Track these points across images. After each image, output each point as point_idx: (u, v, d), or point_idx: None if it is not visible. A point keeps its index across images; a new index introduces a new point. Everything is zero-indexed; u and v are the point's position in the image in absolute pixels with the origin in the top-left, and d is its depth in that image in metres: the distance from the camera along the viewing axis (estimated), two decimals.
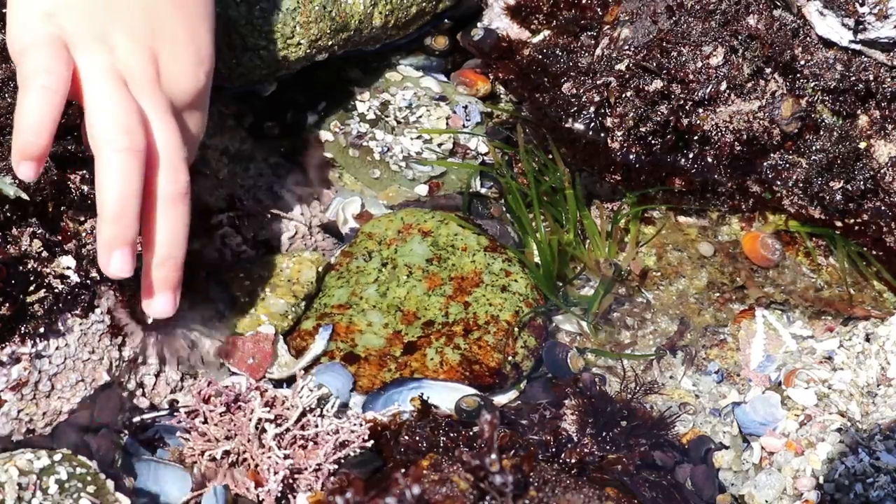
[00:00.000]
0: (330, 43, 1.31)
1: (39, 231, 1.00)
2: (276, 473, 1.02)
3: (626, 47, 1.27)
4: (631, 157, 1.28)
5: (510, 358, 1.18)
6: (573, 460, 1.06)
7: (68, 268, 1.01)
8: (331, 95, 1.40)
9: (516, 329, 1.20)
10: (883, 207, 1.25)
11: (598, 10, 1.34)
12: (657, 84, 1.24)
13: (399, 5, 1.35)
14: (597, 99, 1.28)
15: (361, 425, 1.07)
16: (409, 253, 1.25)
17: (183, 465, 1.06)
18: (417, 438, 1.06)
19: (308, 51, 1.29)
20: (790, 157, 1.27)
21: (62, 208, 1.03)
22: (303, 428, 1.06)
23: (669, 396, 1.22)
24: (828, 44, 1.23)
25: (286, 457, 1.04)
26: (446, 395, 1.14)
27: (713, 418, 1.20)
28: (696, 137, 1.26)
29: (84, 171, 1.06)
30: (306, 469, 1.04)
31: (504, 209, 1.34)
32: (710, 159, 1.27)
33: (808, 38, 1.24)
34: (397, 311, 1.21)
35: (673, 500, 1.08)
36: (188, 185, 0.97)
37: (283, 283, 1.20)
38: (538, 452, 1.07)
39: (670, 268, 1.32)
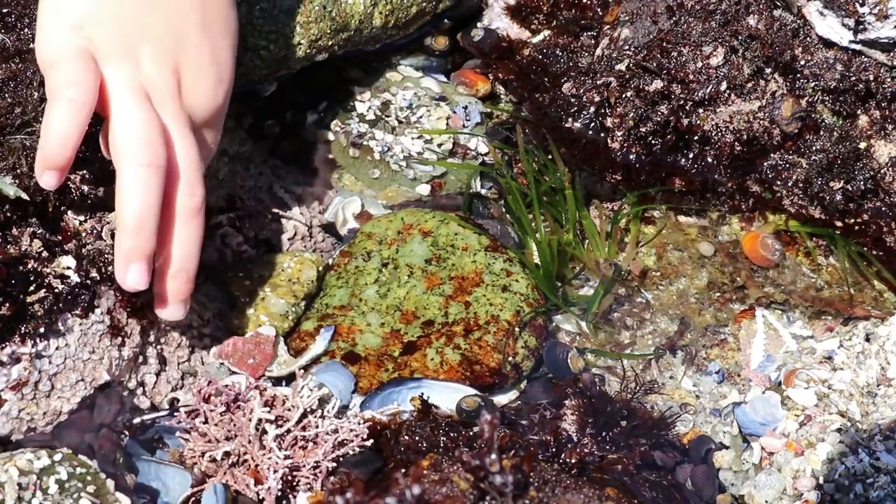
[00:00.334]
0: (330, 43, 1.31)
1: (39, 231, 1.00)
2: (275, 472, 1.02)
3: (627, 47, 1.27)
4: (631, 157, 1.28)
5: (510, 358, 1.18)
6: (573, 460, 1.06)
7: (68, 268, 1.01)
8: (331, 95, 1.40)
9: (517, 329, 1.20)
10: (883, 207, 1.25)
11: (598, 10, 1.34)
12: (657, 84, 1.24)
13: (399, 5, 1.35)
14: (597, 99, 1.28)
15: (360, 424, 1.07)
16: (409, 253, 1.25)
17: (183, 466, 1.06)
18: (417, 438, 1.06)
19: (308, 51, 1.29)
20: (790, 157, 1.27)
21: (62, 208, 1.03)
22: (304, 429, 1.06)
23: (669, 396, 1.22)
24: (828, 44, 1.23)
25: (286, 457, 1.04)
26: (446, 395, 1.14)
27: (713, 418, 1.20)
28: (696, 137, 1.26)
29: (84, 171, 1.06)
30: (304, 466, 1.04)
31: (504, 209, 1.34)
32: (710, 159, 1.27)
33: (808, 39, 1.24)
34: (396, 311, 1.21)
35: (673, 500, 1.08)
36: (203, 199, 0.99)
37: (284, 283, 1.20)
38: (538, 452, 1.07)
39: (670, 268, 1.32)
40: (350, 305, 1.22)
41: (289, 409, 1.07)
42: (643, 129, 1.26)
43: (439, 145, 1.37)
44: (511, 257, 1.26)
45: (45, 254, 1.00)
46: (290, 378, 1.16)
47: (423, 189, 1.35)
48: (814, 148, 1.25)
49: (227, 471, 1.05)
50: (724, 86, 1.23)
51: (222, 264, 1.21)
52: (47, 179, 0.92)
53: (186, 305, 1.04)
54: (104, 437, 1.06)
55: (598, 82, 1.28)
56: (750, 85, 1.23)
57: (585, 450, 1.10)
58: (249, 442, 1.04)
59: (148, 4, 0.97)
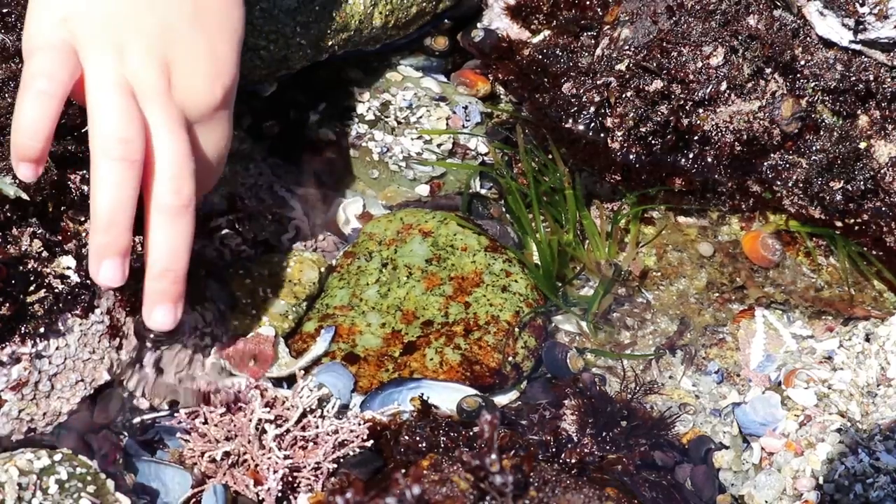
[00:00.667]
0: (330, 43, 1.31)
1: (39, 231, 1.00)
2: (275, 472, 1.02)
3: (627, 47, 1.27)
4: (631, 157, 1.28)
5: (510, 358, 1.18)
6: (573, 460, 1.06)
7: (68, 268, 1.01)
8: (331, 95, 1.40)
9: (517, 329, 1.20)
10: (883, 207, 1.25)
11: (598, 10, 1.34)
12: (657, 84, 1.24)
13: (399, 5, 1.35)
14: (597, 99, 1.28)
15: (360, 425, 1.07)
16: (409, 253, 1.25)
17: (183, 466, 1.06)
18: (417, 438, 1.07)
19: (308, 51, 1.29)
20: (790, 157, 1.27)
21: (62, 208, 1.03)
22: (303, 429, 1.06)
23: (669, 396, 1.22)
24: (828, 44, 1.23)
25: (286, 457, 1.04)
26: (446, 396, 1.14)
27: (713, 418, 1.20)
28: (696, 137, 1.26)
29: (84, 171, 1.06)
30: (305, 467, 1.04)
31: (504, 209, 1.34)
32: (710, 159, 1.27)
33: (808, 39, 1.24)
34: (397, 311, 1.21)
35: (673, 500, 1.08)
36: (191, 198, 0.96)
37: (284, 283, 1.20)
38: (538, 452, 1.07)
39: (670, 268, 1.32)
40: (350, 305, 1.22)
41: (288, 409, 1.07)
42: (643, 129, 1.26)
43: (439, 145, 1.37)
44: (510, 258, 1.26)
45: (45, 254, 1.00)
46: (290, 379, 1.16)
47: (423, 189, 1.35)
48: (814, 148, 1.25)
49: (227, 471, 1.05)
50: (724, 86, 1.23)
51: (222, 264, 1.21)
52: (23, 171, 0.91)
53: (177, 311, 0.98)
54: (104, 437, 1.06)
55: (598, 82, 1.28)
56: (750, 85, 1.23)
57: (585, 450, 1.10)
58: (249, 442, 1.04)
59: (139, 0, 0.96)
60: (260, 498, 1.03)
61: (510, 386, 1.19)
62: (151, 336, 1.07)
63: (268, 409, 1.06)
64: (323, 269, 1.24)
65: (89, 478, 0.96)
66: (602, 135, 1.29)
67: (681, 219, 1.35)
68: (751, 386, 1.22)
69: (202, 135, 1.02)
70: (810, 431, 1.11)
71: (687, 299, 1.30)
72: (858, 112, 1.24)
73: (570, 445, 1.10)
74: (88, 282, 1.02)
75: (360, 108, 1.39)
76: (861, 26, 1.19)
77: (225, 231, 1.21)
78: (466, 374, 1.16)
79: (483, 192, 1.37)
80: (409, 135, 1.38)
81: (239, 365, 1.15)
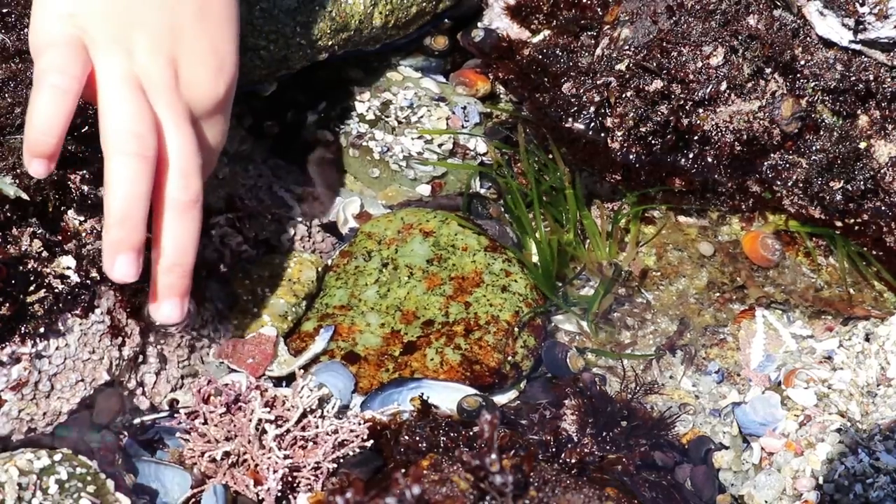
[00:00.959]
0: (330, 43, 1.31)
1: (39, 231, 1.00)
2: (275, 472, 1.02)
3: (627, 47, 1.27)
4: (631, 157, 1.28)
5: (510, 358, 1.18)
6: (573, 460, 1.06)
7: (68, 268, 1.01)
8: (331, 95, 1.40)
9: (516, 329, 1.20)
10: (883, 207, 1.25)
11: (598, 10, 1.34)
12: (657, 84, 1.24)
13: (399, 5, 1.35)
14: (597, 99, 1.28)
15: (360, 425, 1.07)
16: (409, 253, 1.25)
17: (182, 466, 1.06)
18: (417, 438, 1.06)
19: (308, 51, 1.29)
20: (790, 157, 1.27)
21: (62, 208, 1.03)
22: (303, 429, 1.06)
23: (669, 396, 1.22)
24: (828, 44, 1.23)
25: (286, 457, 1.04)
26: (446, 395, 1.14)
27: (713, 418, 1.20)
28: (696, 137, 1.26)
29: (84, 171, 1.06)
30: (305, 467, 1.04)
31: (503, 209, 1.34)
32: (710, 159, 1.27)
33: (808, 38, 1.24)
34: (397, 311, 1.21)
35: (673, 500, 1.08)
36: (200, 193, 0.97)
37: (284, 283, 1.20)
38: (538, 452, 1.07)
39: (670, 268, 1.32)
40: (350, 305, 1.22)
41: (288, 409, 1.07)
42: (643, 129, 1.26)
43: (439, 145, 1.37)
44: (510, 258, 1.26)
45: (45, 254, 1.00)
46: (290, 378, 1.16)
47: (424, 189, 1.35)
48: (814, 148, 1.25)
49: (227, 471, 1.05)
50: (724, 86, 1.23)
51: (222, 264, 1.21)
52: (36, 167, 0.91)
53: (184, 305, 1.00)
54: (104, 438, 1.06)
55: (598, 82, 1.28)
56: (750, 85, 1.23)
57: (585, 450, 1.10)
58: (249, 442, 1.04)
59: None
60: (260, 498, 1.03)
61: (510, 386, 1.19)
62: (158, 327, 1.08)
63: (268, 408, 1.06)
64: (321, 269, 1.24)
65: (89, 478, 0.96)
66: (602, 134, 1.29)
67: (681, 218, 1.35)
68: (751, 386, 1.22)
69: (204, 129, 1.02)
70: (810, 431, 1.11)
71: (687, 299, 1.30)
72: (858, 112, 1.24)
73: (570, 445, 1.10)
74: (88, 282, 1.02)
75: (361, 108, 1.39)
76: (861, 26, 1.19)
77: (225, 229, 1.21)
78: (466, 373, 1.16)
79: (483, 192, 1.37)
80: (410, 134, 1.38)
81: (239, 364, 1.15)
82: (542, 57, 1.35)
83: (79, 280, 1.01)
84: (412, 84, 1.42)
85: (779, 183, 1.28)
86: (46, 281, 0.99)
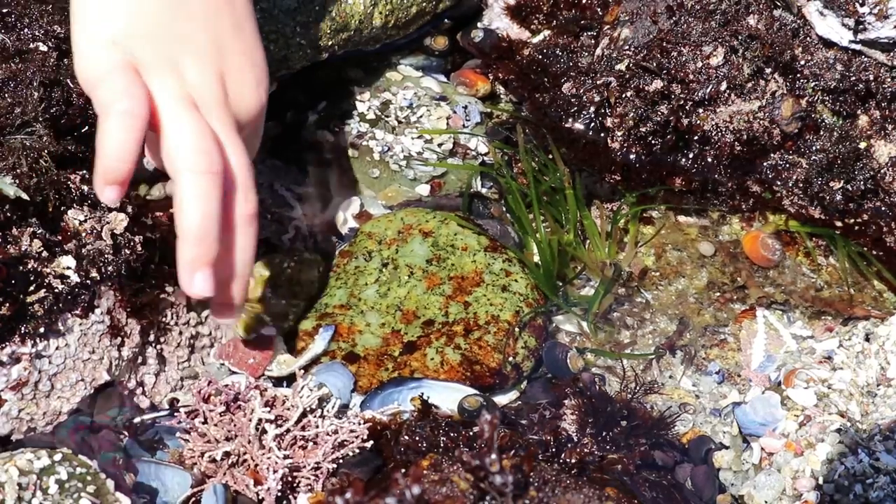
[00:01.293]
0: (330, 43, 1.31)
1: (39, 231, 1.00)
2: (275, 472, 1.02)
3: (627, 47, 1.27)
4: (631, 157, 1.28)
5: (510, 358, 1.18)
6: (573, 460, 1.06)
7: (68, 268, 1.01)
8: (331, 95, 1.40)
9: (517, 329, 1.20)
10: (883, 207, 1.25)
11: (598, 10, 1.34)
12: (657, 84, 1.24)
13: (399, 5, 1.35)
14: (597, 99, 1.28)
15: (360, 425, 1.07)
16: (409, 253, 1.25)
17: (182, 466, 1.06)
18: (417, 438, 1.06)
19: (308, 51, 1.29)
20: (790, 157, 1.27)
21: (62, 208, 1.03)
22: (303, 429, 1.06)
23: (669, 396, 1.22)
24: (828, 44, 1.23)
25: (286, 457, 1.04)
26: (446, 395, 1.14)
27: (713, 418, 1.20)
28: (696, 137, 1.26)
29: (84, 171, 1.06)
30: (305, 467, 1.04)
31: (504, 209, 1.34)
32: (710, 159, 1.28)
33: (808, 38, 1.24)
34: (397, 311, 1.21)
35: (673, 500, 1.08)
36: (257, 205, 0.99)
37: (284, 283, 1.20)
38: (538, 452, 1.07)
39: (670, 268, 1.32)
40: (349, 305, 1.22)
41: (288, 409, 1.07)
42: (643, 129, 1.26)
43: (439, 145, 1.37)
44: (510, 257, 1.26)
45: (45, 254, 1.00)
46: (290, 378, 1.16)
47: (423, 189, 1.35)
48: (814, 148, 1.25)
49: (227, 471, 1.05)
50: (724, 86, 1.23)
51: None
52: (109, 194, 0.91)
53: (238, 313, 1.03)
54: (104, 437, 1.06)
55: (598, 82, 1.28)
56: (750, 85, 1.23)
57: (585, 450, 1.10)
58: (249, 442, 1.04)
59: (183, 13, 0.97)
60: (260, 498, 1.03)
61: (510, 386, 1.19)
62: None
63: (268, 408, 1.06)
64: (321, 269, 1.24)
65: (89, 478, 0.96)
66: (602, 134, 1.29)
67: (681, 218, 1.35)
68: (751, 386, 1.22)
69: (246, 140, 1.03)
70: (810, 431, 1.11)
71: (687, 299, 1.30)
72: (858, 112, 1.24)
73: (570, 445, 1.10)
74: (88, 282, 1.02)
75: (361, 108, 1.39)
76: (861, 26, 1.19)
77: None
78: (467, 373, 1.16)
79: (483, 191, 1.37)
80: (410, 134, 1.38)
81: (239, 364, 1.15)
82: (542, 57, 1.35)
83: (79, 280, 1.01)
84: (412, 83, 1.42)
85: (779, 183, 1.28)
86: (46, 281, 0.99)
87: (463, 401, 1.13)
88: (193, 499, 1.04)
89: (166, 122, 0.93)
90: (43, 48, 1.05)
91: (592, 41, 1.33)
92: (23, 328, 0.98)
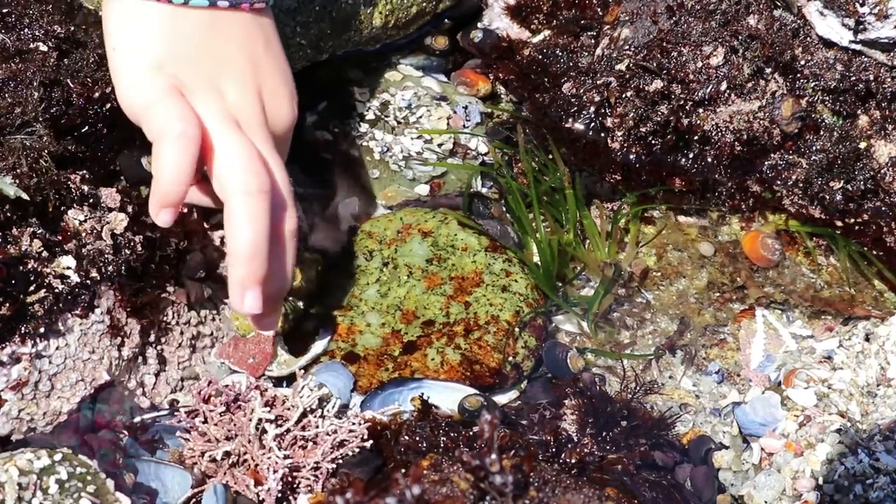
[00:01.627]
0: (330, 43, 1.31)
1: (39, 231, 1.00)
2: (275, 472, 1.02)
3: (627, 47, 1.27)
4: (631, 157, 1.28)
5: (510, 358, 1.18)
6: (573, 460, 1.06)
7: (68, 268, 1.01)
8: (331, 95, 1.40)
9: (517, 329, 1.20)
10: (883, 207, 1.25)
11: (598, 10, 1.34)
12: (657, 84, 1.24)
13: (399, 5, 1.35)
14: (597, 99, 1.28)
15: (360, 425, 1.07)
16: (409, 253, 1.25)
17: (183, 466, 1.06)
18: (417, 438, 1.07)
19: (308, 51, 1.29)
20: (790, 157, 1.27)
21: (62, 208, 1.03)
22: (303, 429, 1.06)
23: (669, 396, 1.22)
24: (828, 44, 1.23)
25: (286, 457, 1.04)
26: (447, 396, 1.14)
27: (713, 418, 1.20)
28: (696, 137, 1.26)
29: (84, 171, 1.06)
30: (305, 467, 1.04)
31: (504, 209, 1.34)
32: (710, 159, 1.28)
33: (808, 39, 1.24)
34: (397, 311, 1.21)
35: (673, 500, 1.08)
36: (297, 221, 1.01)
37: None
38: (538, 452, 1.07)
39: (670, 268, 1.32)
40: (350, 305, 1.22)
41: (288, 409, 1.07)
42: (643, 129, 1.26)
43: (439, 145, 1.37)
44: (511, 257, 1.26)
45: (45, 254, 1.00)
46: (290, 378, 1.16)
47: (423, 189, 1.35)
48: (814, 148, 1.25)
49: (227, 471, 1.05)
50: (724, 86, 1.23)
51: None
52: (164, 217, 0.93)
53: (277, 319, 1.05)
54: (104, 437, 1.06)
55: (598, 82, 1.28)
56: (750, 85, 1.23)
57: (585, 450, 1.10)
58: (249, 442, 1.04)
59: (220, 36, 0.97)
60: (260, 498, 1.03)
61: (510, 386, 1.19)
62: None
63: (268, 408, 1.06)
64: (320, 268, 1.24)
65: (89, 477, 0.96)
66: (602, 134, 1.29)
67: (681, 218, 1.35)
68: (751, 386, 1.22)
69: (279, 152, 1.05)
70: (810, 432, 1.11)
71: (687, 299, 1.30)
72: (858, 112, 1.24)
73: (570, 445, 1.10)
74: (88, 282, 1.02)
75: (361, 108, 1.39)
76: (861, 26, 1.19)
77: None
78: (467, 373, 1.16)
79: (483, 191, 1.37)
80: (410, 134, 1.38)
81: (239, 364, 1.15)
82: (542, 57, 1.35)
83: (79, 280, 1.01)
84: (413, 83, 1.42)
85: (779, 183, 1.28)
86: (46, 281, 0.99)
87: (463, 401, 1.13)
88: (194, 499, 1.04)
89: (214, 144, 0.94)
90: (43, 48, 1.05)
91: (592, 41, 1.33)
92: (23, 328, 0.98)
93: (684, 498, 1.10)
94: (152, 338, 1.11)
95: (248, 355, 1.15)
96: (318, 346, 1.18)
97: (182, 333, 1.14)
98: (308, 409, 1.07)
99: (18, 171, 0.99)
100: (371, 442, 1.06)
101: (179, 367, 1.13)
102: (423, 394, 1.12)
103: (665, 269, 1.32)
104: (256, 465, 1.04)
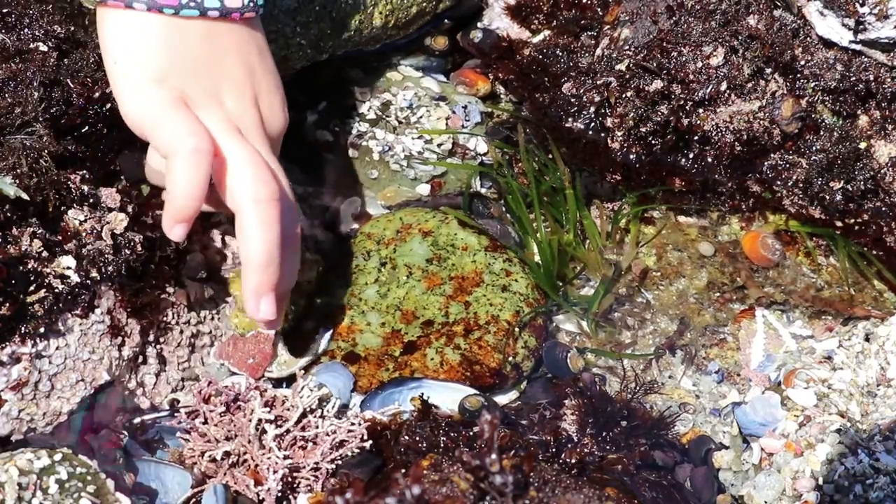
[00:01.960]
0: (330, 43, 1.31)
1: (39, 231, 1.00)
2: (275, 472, 1.02)
3: (627, 47, 1.27)
4: (631, 157, 1.28)
5: (510, 358, 1.18)
6: (573, 460, 1.06)
7: (68, 268, 1.01)
8: (331, 95, 1.40)
9: (517, 329, 1.20)
10: (883, 207, 1.25)
11: (599, 10, 1.34)
12: (657, 84, 1.24)
13: (399, 5, 1.35)
14: (597, 99, 1.28)
15: (360, 425, 1.07)
16: (408, 253, 1.25)
17: (183, 466, 1.06)
18: (417, 438, 1.07)
19: (308, 51, 1.29)
20: (790, 157, 1.27)
21: (62, 208, 1.03)
22: (303, 429, 1.06)
23: (669, 396, 1.22)
24: (828, 44, 1.23)
25: (286, 457, 1.04)
26: (446, 396, 1.14)
27: (713, 418, 1.20)
28: (696, 137, 1.26)
29: (84, 171, 1.06)
30: (304, 467, 1.04)
31: (504, 209, 1.34)
32: (710, 159, 1.27)
33: (808, 39, 1.24)
34: (396, 311, 1.21)
35: (673, 500, 1.08)
36: (299, 226, 1.02)
37: None
38: (538, 452, 1.07)
39: (670, 268, 1.32)
40: (350, 305, 1.22)
41: (288, 409, 1.07)
42: (643, 129, 1.26)
43: (439, 145, 1.37)
44: (510, 257, 1.26)
45: (45, 254, 1.00)
46: (290, 378, 1.16)
47: (423, 189, 1.35)
48: (814, 148, 1.25)
49: (227, 471, 1.05)
50: (724, 86, 1.23)
51: (222, 264, 1.21)
52: (178, 232, 0.94)
53: (280, 318, 1.06)
54: (104, 437, 1.06)
55: (598, 82, 1.28)
56: (750, 85, 1.23)
57: (585, 450, 1.10)
58: (249, 442, 1.04)
59: (217, 46, 0.98)
60: (260, 498, 1.03)
61: (510, 386, 1.19)
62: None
63: (268, 408, 1.06)
64: (320, 269, 1.24)
65: (89, 477, 0.96)
66: (602, 134, 1.29)
67: (681, 218, 1.35)
68: (751, 386, 1.22)
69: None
70: (810, 432, 1.11)
71: (687, 299, 1.30)
72: (858, 112, 1.24)
73: (570, 445, 1.10)
74: (88, 282, 1.02)
75: (361, 108, 1.39)
76: (861, 26, 1.19)
77: (225, 227, 1.21)
78: (467, 373, 1.16)
79: (483, 191, 1.37)
80: (410, 134, 1.38)
81: (239, 364, 1.15)
82: (542, 57, 1.35)
83: (79, 280, 1.01)
84: (412, 83, 1.42)
85: (779, 183, 1.28)
86: (46, 281, 0.99)
87: (464, 401, 1.13)
88: (194, 499, 1.04)
89: (227, 155, 0.95)
90: (43, 48, 1.05)
91: (592, 41, 1.33)
92: (23, 328, 0.98)
93: (684, 498, 1.10)
94: (152, 338, 1.11)
95: (248, 356, 1.15)
96: (317, 346, 1.18)
97: (182, 333, 1.14)
98: (308, 409, 1.07)
99: (18, 171, 0.99)
100: (371, 442, 1.06)
101: (179, 366, 1.13)
102: (423, 394, 1.12)
103: (665, 269, 1.32)
104: (256, 466, 1.04)
